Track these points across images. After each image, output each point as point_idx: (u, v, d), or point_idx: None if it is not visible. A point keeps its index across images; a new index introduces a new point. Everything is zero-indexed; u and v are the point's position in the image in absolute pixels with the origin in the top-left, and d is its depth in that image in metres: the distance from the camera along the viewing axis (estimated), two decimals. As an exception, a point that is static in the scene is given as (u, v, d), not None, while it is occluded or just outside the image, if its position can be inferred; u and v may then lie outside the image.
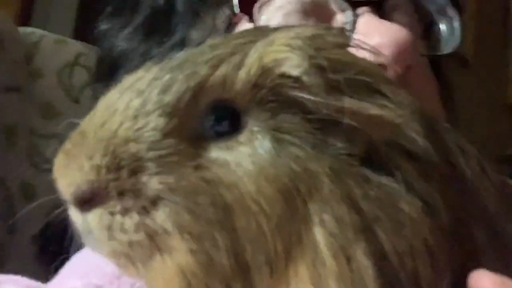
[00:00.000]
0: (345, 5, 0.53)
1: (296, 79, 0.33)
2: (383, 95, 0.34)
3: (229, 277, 0.32)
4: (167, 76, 0.35)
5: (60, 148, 0.36)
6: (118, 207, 0.33)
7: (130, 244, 0.33)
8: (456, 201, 0.33)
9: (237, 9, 0.56)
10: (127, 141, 0.33)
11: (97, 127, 0.34)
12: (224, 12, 0.57)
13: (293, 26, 0.37)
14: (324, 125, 0.33)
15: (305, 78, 0.32)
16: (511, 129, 1.94)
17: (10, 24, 0.85)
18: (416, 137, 0.33)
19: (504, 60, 1.99)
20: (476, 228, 0.34)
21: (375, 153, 0.33)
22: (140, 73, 0.36)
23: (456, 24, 0.59)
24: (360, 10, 0.54)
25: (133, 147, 0.33)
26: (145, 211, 0.33)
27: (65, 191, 0.35)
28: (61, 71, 0.85)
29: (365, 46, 0.39)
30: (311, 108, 0.33)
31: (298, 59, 0.33)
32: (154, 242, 0.33)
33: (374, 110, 0.33)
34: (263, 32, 0.37)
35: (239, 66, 0.34)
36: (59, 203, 0.77)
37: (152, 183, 0.32)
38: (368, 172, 0.33)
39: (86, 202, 0.34)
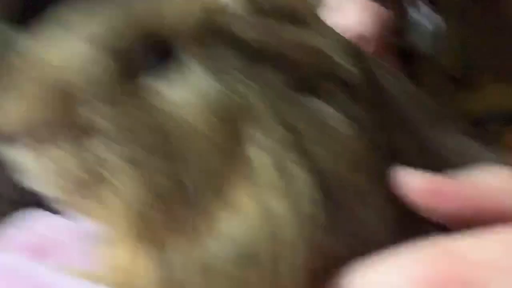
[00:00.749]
0: None
1: (226, 8, 0.34)
2: (309, 24, 0.35)
3: (175, 202, 0.32)
4: (99, 16, 0.35)
5: None
6: (55, 142, 0.33)
7: (65, 175, 0.33)
8: (378, 111, 0.35)
9: None
10: (61, 73, 0.33)
11: (34, 61, 0.34)
12: None
13: None
14: (256, 56, 0.34)
15: (233, 6, 0.34)
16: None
17: None
18: (343, 63, 0.35)
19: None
20: (397, 133, 0.36)
21: (306, 80, 0.35)
22: (71, 11, 0.36)
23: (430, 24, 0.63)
24: None
25: (69, 81, 0.33)
26: (79, 141, 0.33)
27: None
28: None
29: None
30: (242, 38, 0.34)
31: None
32: (95, 174, 0.33)
33: (304, 39, 0.34)
34: None
35: None
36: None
37: (89, 115, 0.33)
38: (299, 96, 0.34)
39: (14, 136, 0.33)
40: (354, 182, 0.33)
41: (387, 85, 0.37)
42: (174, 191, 0.32)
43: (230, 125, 0.33)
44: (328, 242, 0.32)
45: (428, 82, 0.70)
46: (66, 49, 0.34)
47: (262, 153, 0.32)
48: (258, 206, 0.32)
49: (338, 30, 0.38)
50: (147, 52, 0.34)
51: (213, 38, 0.34)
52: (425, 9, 0.61)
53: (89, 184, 0.33)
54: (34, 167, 0.34)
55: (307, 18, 0.35)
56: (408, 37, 0.63)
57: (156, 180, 0.32)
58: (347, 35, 0.51)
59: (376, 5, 0.55)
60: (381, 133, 0.35)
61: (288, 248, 0.31)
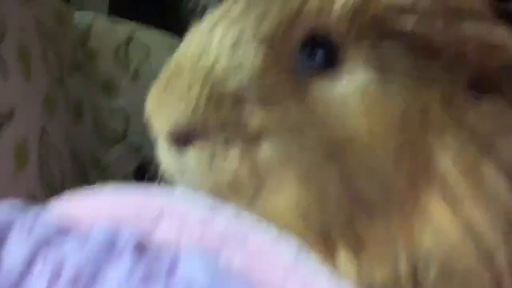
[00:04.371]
0: None
1: (407, 7, 0.31)
2: (489, 19, 0.32)
3: (349, 213, 0.30)
4: (261, 4, 0.33)
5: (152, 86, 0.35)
6: (220, 138, 0.32)
7: (235, 174, 0.32)
8: None
9: None
10: (227, 72, 0.32)
11: (193, 59, 0.33)
12: None
13: None
14: (428, 53, 0.32)
15: (421, 3, 0.31)
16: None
17: (65, 5, 0.88)
18: None
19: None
20: None
21: (479, 77, 0.32)
22: (228, 3, 0.35)
23: None
24: None
25: (233, 79, 0.32)
26: (249, 142, 0.32)
27: (161, 127, 0.34)
28: (117, 49, 0.88)
29: None
30: (419, 36, 0.32)
31: None
32: (260, 174, 0.32)
33: (493, 37, 0.32)
34: None
35: None
36: (129, 172, 0.79)
37: (256, 116, 0.32)
38: (475, 94, 0.32)
39: (184, 137, 0.33)
40: None
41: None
42: (347, 201, 0.30)
43: (412, 134, 0.31)
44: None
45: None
46: (228, 48, 0.33)
47: (454, 160, 0.30)
48: (456, 218, 0.30)
49: None
50: (309, 50, 0.32)
51: (382, 38, 0.32)
52: None
53: (250, 181, 0.32)
54: (197, 167, 0.33)
55: (487, 12, 0.32)
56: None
57: (326, 186, 0.30)
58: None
59: None
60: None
61: (488, 262, 0.29)
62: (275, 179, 0.31)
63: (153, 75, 0.90)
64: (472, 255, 0.29)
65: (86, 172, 0.76)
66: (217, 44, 0.33)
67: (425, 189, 0.30)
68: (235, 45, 0.32)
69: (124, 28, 0.91)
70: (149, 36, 0.91)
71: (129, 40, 0.89)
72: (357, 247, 0.30)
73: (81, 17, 0.90)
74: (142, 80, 0.85)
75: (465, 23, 0.32)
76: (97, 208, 0.31)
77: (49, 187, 0.66)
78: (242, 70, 0.32)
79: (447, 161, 0.30)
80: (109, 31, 0.89)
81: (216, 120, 0.32)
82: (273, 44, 0.32)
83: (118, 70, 0.86)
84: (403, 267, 0.29)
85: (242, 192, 0.32)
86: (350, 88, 0.31)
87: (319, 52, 0.32)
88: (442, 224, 0.30)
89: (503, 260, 0.29)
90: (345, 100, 0.31)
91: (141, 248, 0.28)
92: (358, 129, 0.31)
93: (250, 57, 0.32)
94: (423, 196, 0.30)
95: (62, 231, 0.29)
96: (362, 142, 0.31)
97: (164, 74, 0.34)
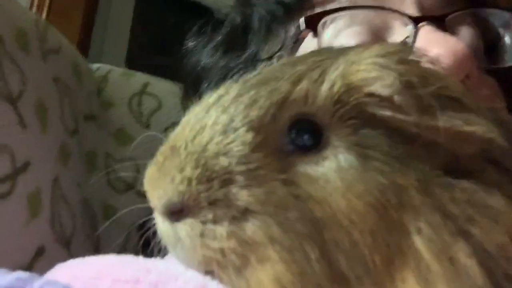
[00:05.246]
0: (408, 20, 0.56)
1: (385, 98, 0.34)
2: (467, 108, 0.35)
3: (328, 286, 0.32)
4: (251, 93, 0.36)
5: (149, 162, 0.38)
6: (209, 216, 0.35)
7: (222, 251, 0.34)
8: None
9: (303, 26, 0.59)
10: (217, 155, 0.35)
11: (187, 141, 0.36)
12: (292, 29, 0.62)
13: (365, 46, 0.39)
14: (406, 139, 0.35)
15: (396, 98, 0.34)
16: None
17: (82, 58, 0.92)
18: (500, 144, 0.35)
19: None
20: None
21: (456, 162, 0.35)
22: (222, 90, 0.38)
23: None
24: (421, 24, 0.56)
25: (223, 161, 0.35)
26: (235, 220, 0.34)
27: (156, 202, 0.37)
28: (130, 100, 0.92)
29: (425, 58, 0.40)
30: (396, 125, 0.34)
31: (390, 78, 0.34)
32: (245, 251, 0.34)
33: (467, 128, 0.34)
34: (335, 51, 0.39)
35: (319, 82, 0.35)
36: (137, 219, 0.81)
37: (242, 195, 0.34)
38: (450, 179, 0.34)
39: (177, 212, 0.36)
40: None
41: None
42: (326, 277, 0.32)
43: (388, 215, 0.33)
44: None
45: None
46: (220, 132, 0.35)
47: (427, 243, 0.32)
48: None
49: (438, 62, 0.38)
50: (296, 132, 0.35)
51: (364, 123, 0.35)
52: None
53: (236, 257, 0.34)
54: (188, 241, 0.35)
55: (465, 100, 0.35)
56: (503, 60, 0.62)
57: (306, 264, 0.33)
58: (440, 66, 0.48)
59: (452, 39, 0.54)
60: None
61: None
62: (259, 255, 0.34)
63: (164, 125, 0.93)
64: None
65: (96, 221, 0.79)
66: (209, 129, 0.36)
67: (400, 268, 0.32)
68: (226, 130, 0.36)
69: (138, 79, 0.95)
70: (161, 87, 0.95)
71: (142, 91, 0.93)
72: None
73: (98, 69, 0.95)
74: (153, 129, 0.89)
75: (438, 115, 0.34)
76: (98, 283, 0.33)
77: (60, 238, 0.68)
78: (231, 153, 0.35)
79: (421, 242, 0.32)
80: (123, 82, 0.94)
81: (206, 198, 0.35)
82: (261, 128, 0.35)
83: (131, 120, 0.90)
84: None
85: (228, 267, 0.34)
86: (332, 168, 0.34)
87: (305, 134, 0.35)
88: None
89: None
90: (327, 180, 0.34)
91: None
92: (338, 208, 0.33)
93: (239, 141, 0.35)
94: (398, 274, 0.32)
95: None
96: (341, 221, 0.33)
97: (161, 153, 0.37)
